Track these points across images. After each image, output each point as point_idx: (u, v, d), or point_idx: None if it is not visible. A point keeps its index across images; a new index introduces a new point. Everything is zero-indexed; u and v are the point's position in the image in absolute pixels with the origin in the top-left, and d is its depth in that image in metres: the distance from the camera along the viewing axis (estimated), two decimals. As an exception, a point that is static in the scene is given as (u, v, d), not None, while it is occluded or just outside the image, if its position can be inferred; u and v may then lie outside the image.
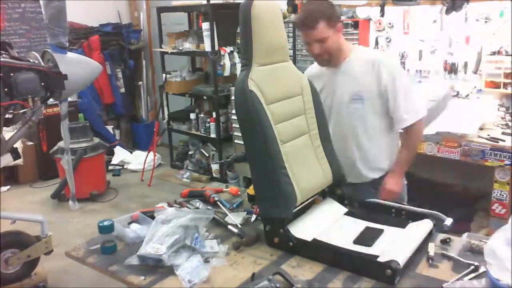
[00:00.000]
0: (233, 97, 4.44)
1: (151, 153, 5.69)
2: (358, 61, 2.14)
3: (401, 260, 1.53)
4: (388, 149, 2.25)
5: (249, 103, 1.71)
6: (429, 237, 1.77)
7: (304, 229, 1.80)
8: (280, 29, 1.87)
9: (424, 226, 1.79)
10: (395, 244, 1.70)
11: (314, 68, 2.30)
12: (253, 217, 1.90)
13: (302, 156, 1.87)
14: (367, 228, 1.84)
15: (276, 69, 1.86)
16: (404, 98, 2.10)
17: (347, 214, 1.98)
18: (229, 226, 1.89)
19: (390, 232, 1.82)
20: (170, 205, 2.07)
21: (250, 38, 1.76)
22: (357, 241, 1.74)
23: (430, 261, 1.61)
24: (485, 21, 3.30)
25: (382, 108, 2.15)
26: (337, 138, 2.10)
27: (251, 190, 2.05)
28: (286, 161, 1.75)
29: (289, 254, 1.72)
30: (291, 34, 4.37)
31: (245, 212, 2.04)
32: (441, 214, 1.83)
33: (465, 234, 1.78)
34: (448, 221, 1.79)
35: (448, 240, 1.75)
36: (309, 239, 1.74)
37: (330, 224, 1.89)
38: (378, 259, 1.59)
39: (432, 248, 1.66)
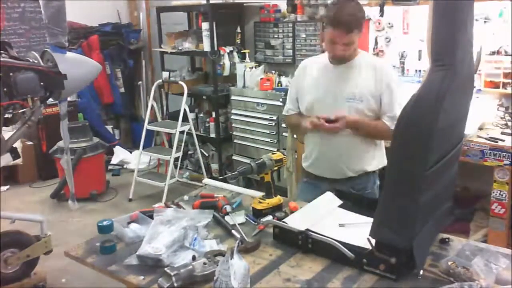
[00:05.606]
0: (232, 97, 4.43)
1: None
2: (362, 63, 2.22)
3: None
4: (373, 152, 2.29)
5: (432, 123, 1.34)
6: None
7: (300, 220, 1.85)
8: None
9: None
10: None
11: (315, 59, 2.38)
12: (256, 231, 1.91)
13: None
14: None
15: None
16: (398, 102, 2.16)
17: (340, 206, 2.04)
18: (233, 231, 1.90)
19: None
20: (167, 206, 2.07)
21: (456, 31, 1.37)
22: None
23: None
24: (485, 21, 3.29)
25: (375, 110, 2.20)
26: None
27: (256, 204, 2.03)
28: None
29: (289, 254, 1.72)
30: (290, 34, 4.38)
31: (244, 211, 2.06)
32: None
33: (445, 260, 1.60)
34: None
35: (447, 240, 1.75)
36: (303, 229, 1.76)
37: (324, 216, 1.95)
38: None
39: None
